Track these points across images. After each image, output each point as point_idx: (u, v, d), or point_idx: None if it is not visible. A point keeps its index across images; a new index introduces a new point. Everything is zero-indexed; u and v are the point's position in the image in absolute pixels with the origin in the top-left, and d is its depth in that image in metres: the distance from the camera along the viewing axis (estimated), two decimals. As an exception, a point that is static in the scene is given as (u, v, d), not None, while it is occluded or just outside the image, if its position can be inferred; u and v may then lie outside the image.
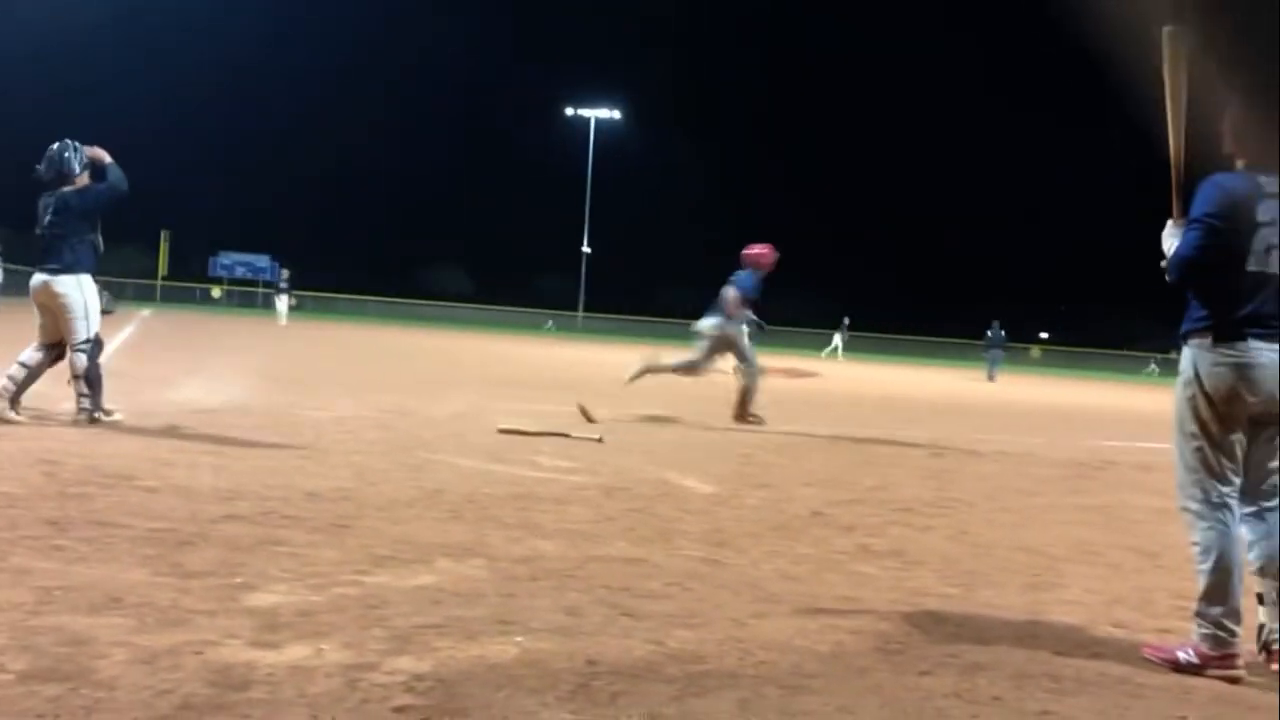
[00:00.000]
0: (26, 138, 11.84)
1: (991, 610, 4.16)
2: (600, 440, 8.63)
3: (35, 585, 3.47)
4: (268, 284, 58.79)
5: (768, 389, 11.93)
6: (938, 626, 3.84)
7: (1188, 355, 3.65)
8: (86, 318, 7.60)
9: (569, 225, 69.74)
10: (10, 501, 4.77)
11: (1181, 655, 3.50)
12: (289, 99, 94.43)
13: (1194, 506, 3.59)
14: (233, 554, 4.11)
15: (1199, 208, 3.57)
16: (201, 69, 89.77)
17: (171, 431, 7.46)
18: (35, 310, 7.77)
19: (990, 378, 32.95)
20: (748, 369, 11.24)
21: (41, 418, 7.50)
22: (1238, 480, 3.58)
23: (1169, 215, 3.74)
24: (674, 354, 11.84)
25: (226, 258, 68.34)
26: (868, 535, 5.57)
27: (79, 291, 7.58)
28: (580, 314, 67.08)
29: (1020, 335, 53.59)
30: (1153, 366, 57.44)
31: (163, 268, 61.59)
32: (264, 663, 2.91)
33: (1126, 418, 19.20)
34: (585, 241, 67.04)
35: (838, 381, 22.40)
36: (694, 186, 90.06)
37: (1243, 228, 3.48)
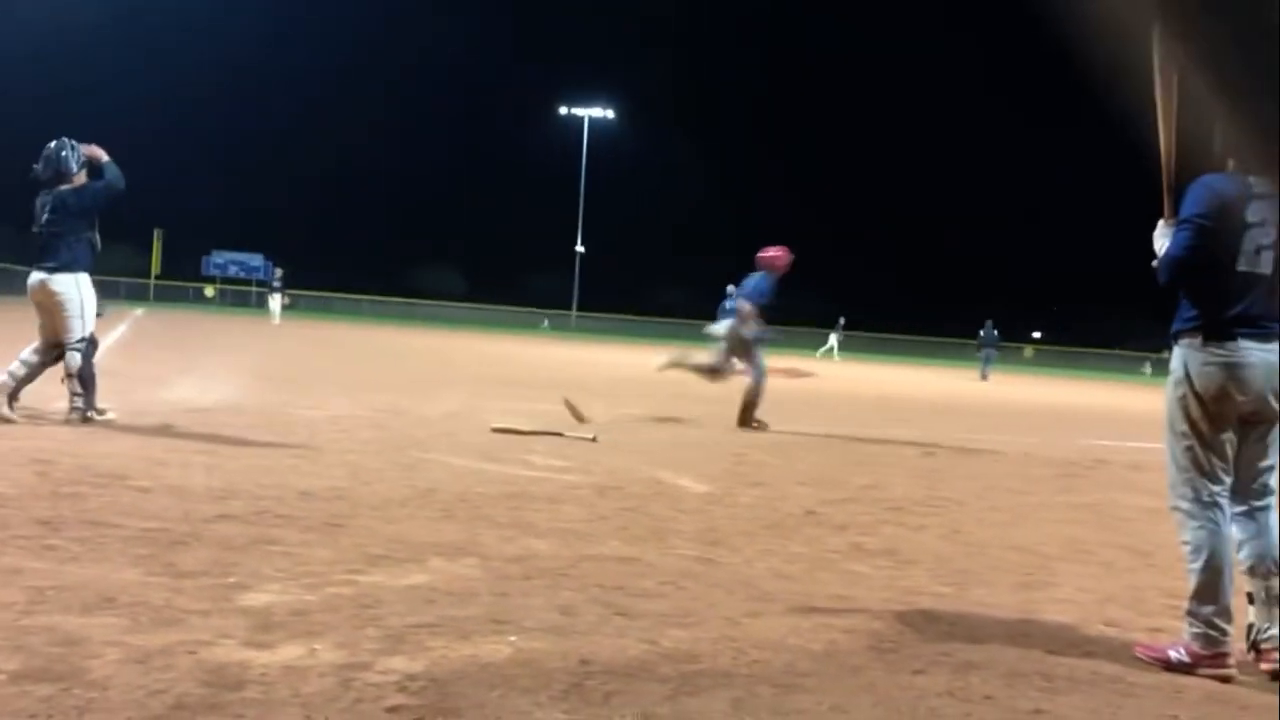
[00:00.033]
0: (22, 137, 11.83)
1: (984, 609, 4.17)
2: (594, 439, 8.63)
3: (27, 585, 3.47)
4: (261, 283, 58.77)
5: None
6: (931, 625, 3.85)
7: (1178, 355, 3.67)
8: (82, 316, 7.60)
9: (563, 225, 69.79)
10: (2, 501, 4.76)
11: (1173, 654, 3.52)
12: (282, 99, 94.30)
13: (1185, 505, 3.60)
14: (226, 553, 4.11)
15: (1189, 208, 3.59)
16: (194, 69, 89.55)
17: (164, 431, 7.45)
18: (35, 310, 7.76)
19: (983, 377, 33.02)
20: (755, 375, 11.18)
21: (34, 417, 7.49)
22: (1228, 479, 3.60)
23: (1160, 215, 3.76)
24: (701, 354, 11.78)
25: (220, 256, 68.21)
26: (861, 534, 5.58)
27: (76, 290, 7.58)
28: (574, 313, 67.09)
29: (1013, 335, 53.68)
30: (1147, 367, 57.60)
31: (156, 266, 61.52)
32: (257, 662, 2.91)
33: (1118, 417, 19.24)
34: (579, 241, 67.07)
35: (832, 381, 22.41)
36: (687, 186, 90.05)
37: (1233, 228, 3.50)
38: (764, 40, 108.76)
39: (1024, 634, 3.81)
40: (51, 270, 7.55)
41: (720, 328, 11.47)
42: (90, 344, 7.68)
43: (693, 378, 12.22)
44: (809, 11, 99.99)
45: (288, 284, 40.97)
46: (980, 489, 7.69)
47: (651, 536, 5.11)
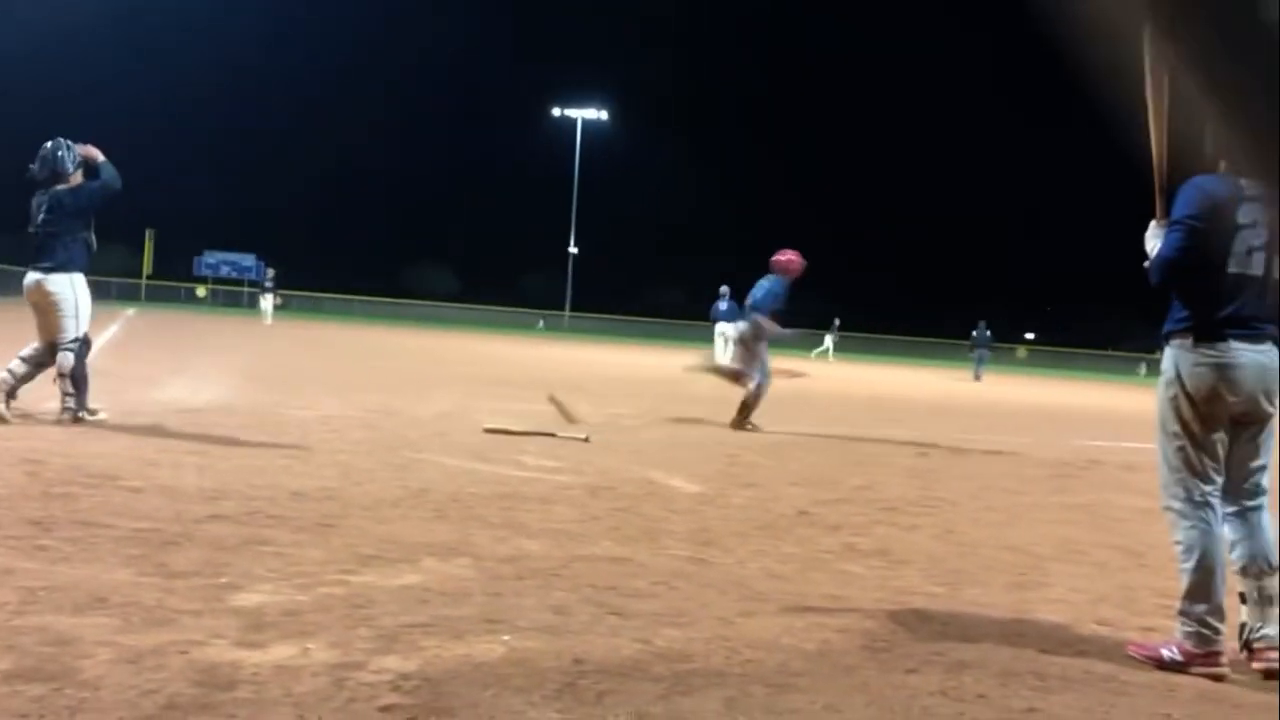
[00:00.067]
0: (18, 138, 11.80)
1: (977, 609, 4.18)
2: (586, 440, 8.63)
3: (19, 585, 3.46)
4: (253, 283, 58.62)
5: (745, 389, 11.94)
6: (924, 625, 3.85)
7: (1169, 355, 3.68)
8: (76, 316, 7.59)
9: (556, 225, 69.77)
10: (-7, 501, 4.74)
11: (1166, 653, 3.52)
12: (274, 99, 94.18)
13: (1177, 505, 3.61)
14: (218, 554, 4.10)
15: (1180, 209, 3.60)
16: (185, 69, 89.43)
17: (156, 431, 7.43)
18: (32, 310, 7.74)
19: (976, 377, 33.07)
20: (759, 379, 11.13)
21: (26, 417, 7.46)
22: (1219, 479, 3.61)
23: (1152, 216, 3.77)
24: (725, 358, 11.75)
25: (211, 257, 68.06)
26: (854, 534, 5.58)
27: (71, 290, 7.57)
28: (567, 314, 67.07)
29: (1005, 335, 53.81)
30: (1142, 368, 57.75)
31: (147, 267, 61.30)
32: (250, 662, 2.90)
33: (1111, 418, 19.29)
34: (572, 241, 67.05)
35: (825, 381, 22.41)
36: (680, 187, 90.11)
37: (1224, 230, 3.51)
38: (756, 40, 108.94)
39: (1017, 633, 3.81)
40: (47, 270, 7.54)
41: (733, 330, 11.40)
42: (84, 344, 7.67)
43: (716, 380, 12.21)
44: (802, 11, 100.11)
45: (279, 284, 40.92)
46: (973, 489, 7.70)
47: (644, 537, 5.11)
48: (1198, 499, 3.58)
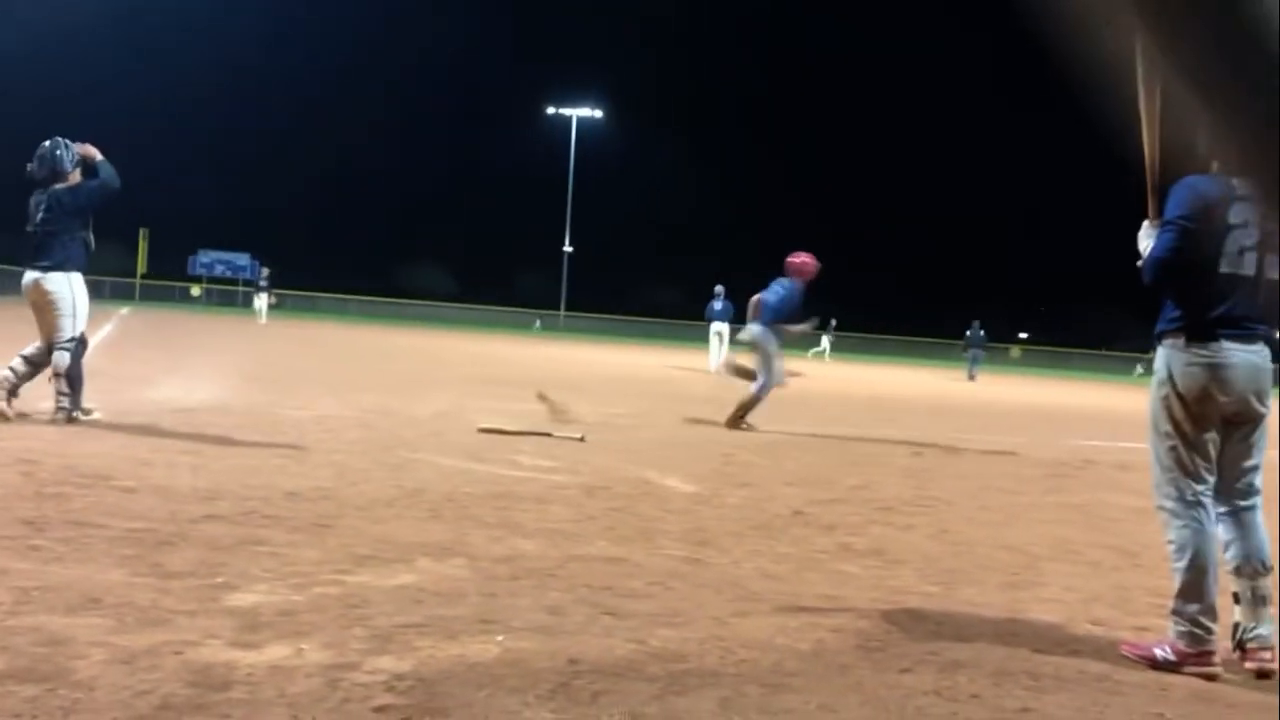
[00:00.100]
0: (13, 138, 11.79)
1: (971, 608, 4.18)
2: (582, 439, 8.63)
3: (12, 586, 3.45)
4: (248, 282, 58.50)
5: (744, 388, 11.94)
6: (918, 624, 3.86)
7: (1162, 355, 3.69)
8: (74, 315, 7.59)
9: (551, 224, 69.75)
10: (-13, 501, 4.73)
11: (1159, 653, 3.53)
12: (269, 98, 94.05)
13: (1169, 505, 3.62)
14: (212, 554, 4.09)
15: (1172, 210, 3.61)
16: (179, 69, 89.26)
17: (150, 431, 7.42)
18: (31, 310, 7.74)
19: (971, 377, 33.11)
20: (763, 381, 11.09)
21: (20, 416, 7.44)
22: (1212, 479, 3.62)
23: (1145, 216, 3.78)
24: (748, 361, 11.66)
25: (206, 256, 67.89)
26: (849, 534, 5.59)
27: (68, 289, 7.58)
28: (562, 313, 67.06)
29: (999, 335, 53.86)
30: (1139, 368, 57.87)
31: (141, 265, 61.19)
32: (244, 663, 2.90)
33: (1106, 417, 19.32)
34: (567, 241, 67.05)
35: (821, 381, 22.43)
36: (675, 186, 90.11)
37: (1216, 230, 3.52)
38: (752, 38, 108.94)
39: (1011, 633, 3.82)
40: (45, 269, 7.55)
41: (747, 333, 11.32)
42: (80, 344, 7.67)
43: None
44: (797, 10, 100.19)
45: (274, 283, 40.87)
46: (968, 489, 7.71)
47: (639, 537, 5.12)
48: (1190, 498, 3.59)
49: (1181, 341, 3.61)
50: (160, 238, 61.15)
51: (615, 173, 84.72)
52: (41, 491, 5.03)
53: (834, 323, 47.00)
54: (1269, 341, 3.60)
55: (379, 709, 2.64)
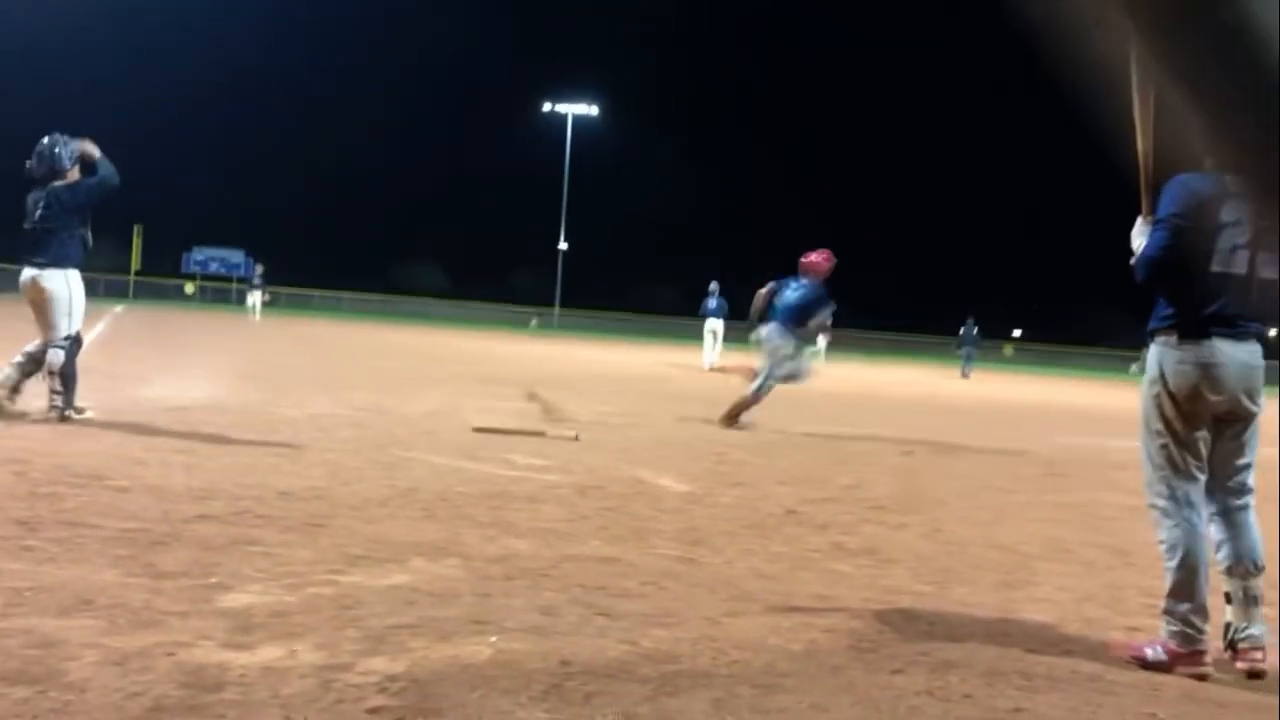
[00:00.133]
0: (12, 136, 11.76)
1: (964, 608, 4.19)
2: (575, 438, 8.63)
3: (4, 586, 3.44)
4: (242, 279, 58.40)
5: (741, 387, 11.95)
6: (910, 624, 3.87)
7: (1153, 353, 3.70)
8: (70, 314, 7.60)
9: (546, 222, 69.69)
10: (-21, 501, 4.72)
11: (1150, 652, 3.54)
12: (264, 95, 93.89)
13: (1161, 504, 3.63)
14: (206, 554, 4.09)
15: (1165, 207, 3.62)
16: (173, 68, 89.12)
17: (143, 430, 7.41)
18: (30, 307, 7.74)
19: (964, 375, 33.15)
20: (765, 380, 11.05)
21: (11, 416, 7.43)
22: (1203, 478, 3.63)
23: (1138, 213, 3.79)
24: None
25: (200, 253, 67.73)
26: (842, 533, 5.59)
27: (65, 286, 7.58)
28: (557, 311, 67.02)
29: (992, 333, 53.91)
30: (1134, 366, 58.02)
31: (135, 263, 61.02)
32: (237, 664, 2.90)
33: (1099, 415, 19.35)
34: (562, 238, 67.01)
35: (815, 380, 22.42)
36: (671, 183, 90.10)
37: (1207, 228, 3.53)
38: (747, 37, 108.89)
39: (1003, 633, 3.83)
40: (42, 266, 7.55)
41: (762, 333, 11.24)
42: (75, 342, 7.66)
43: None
44: (791, 9, 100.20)
45: (268, 280, 40.81)
46: (961, 488, 7.72)
47: (632, 536, 5.12)
48: (1181, 497, 3.60)
49: (1173, 339, 3.62)
50: (154, 235, 61.01)
51: (611, 170, 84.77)
52: (34, 491, 5.02)
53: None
54: (1261, 340, 3.61)
55: (372, 710, 2.64)
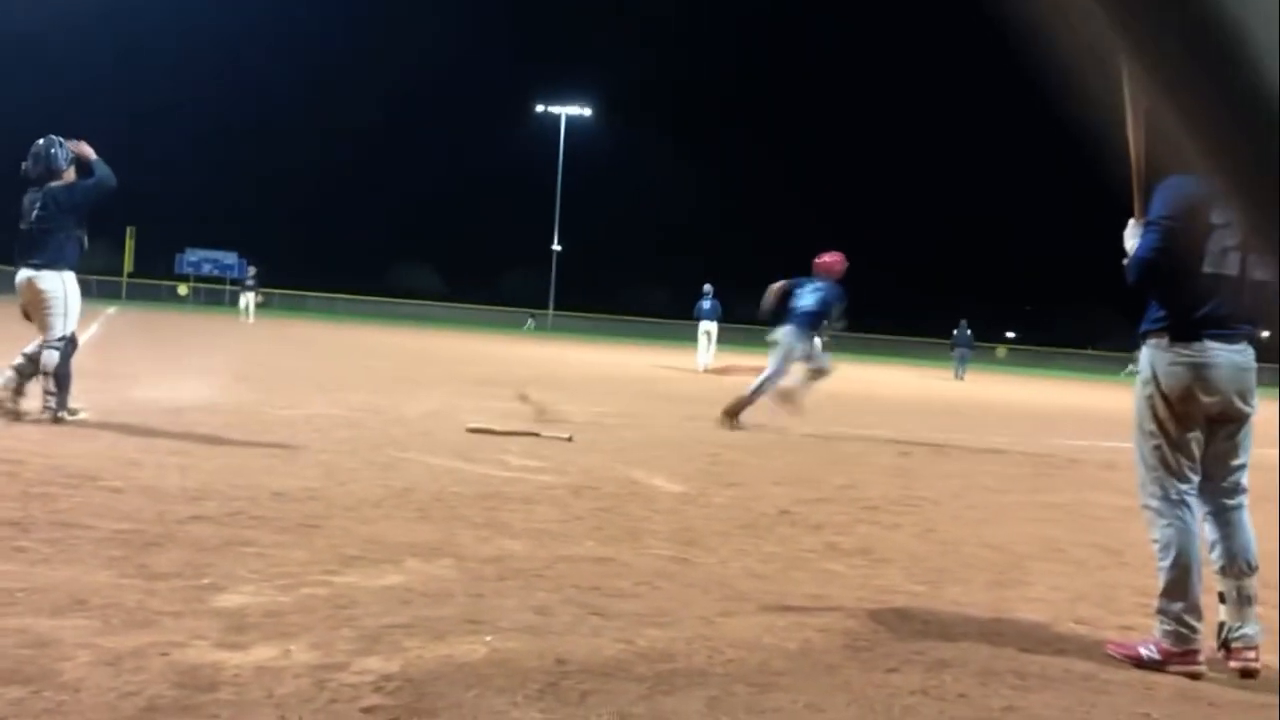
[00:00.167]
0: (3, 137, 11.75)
1: (958, 607, 4.20)
2: (569, 439, 8.63)
3: (-2, 587, 3.44)
4: (235, 281, 58.26)
5: (739, 387, 11.96)
6: (905, 624, 3.87)
7: (1146, 355, 3.71)
8: (65, 314, 7.59)
9: (540, 223, 69.70)
10: (-28, 502, 4.71)
11: (1144, 651, 3.55)
12: (257, 96, 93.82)
13: (1154, 504, 3.64)
14: (200, 555, 4.08)
15: (1156, 210, 3.64)
16: (168, 66, 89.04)
17: (137, 430, 7.39)
18: (28, 307, 7.73)
19: (958, 376, 33.19)
20: (771, 376, 11.11)
21: (7, 415, 7.42)
22: (1196, 478, 3.64)
23: (1131, 215, 3.80)
24: (797, 371, 11.63)
25: (193, 254, 67.59)
26: (835, 533, 5.60)
27: (61, 287, 7.58)
28: (550, 312, 67.01)
29: (985, 335, 53.99)
30: (1130, 366, 58.16)
31: (128, 264, 60.88)
32: (231, 664, 2.89)
33: (1091, 416, 19.38)
34: (555, 239, 66.98)
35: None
36: (665, 184, 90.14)
37: (1199, 230, 3.54)
38: (740, 37, 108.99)
39: (997, 632, 3.84)
40: (38, 267, 7.54)
41: (778, 334, 11.26)
42: (70, 343, 7.65)
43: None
44: (785, 10, 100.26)
45: (261, 282, 40.72)
46: (955, 488, 7.73)
47: (626, 536, 5.12)
48: (1174, 497, 3.61)
49: (1165, 341, 3.63)
50: (147, 236, 60.90)
51: (604, 171, 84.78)
52: (27, 492, 5.00)
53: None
54: (1252, 341, 3.63)
55: (367, 709, 2.64)
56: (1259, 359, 3.65)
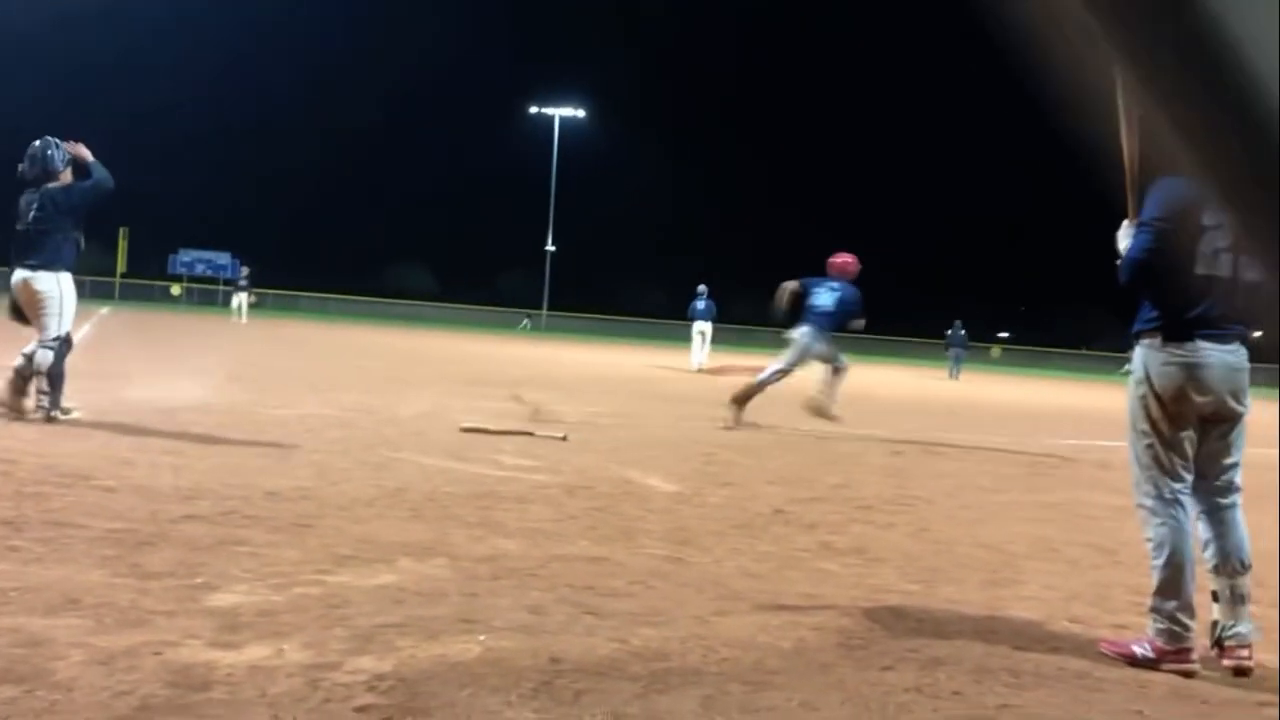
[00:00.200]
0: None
1: (952, 606, 4.20)
2: (564, 439, 8.62)
3: (-10, 586, 3.43)
4: (229, 281, 58.16)
5: (731, 386, 11.97)
6: (899, 622, 3.88)
7: (1139, 355, 3.72)
8: (60, 315, 7.58)
9: (533, 224, 69.70)
10: (-36, 502, 4.70)
11: (1137, 650, 3.56)
12: (250, 97, 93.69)
13: (1148, 503, 3.65)
14: (193, 554, 4.07)
15: (1148, 211, 3.65)
16: (162, 65, 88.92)
17: (131, 430, 7.37)
18: (23, 308, 7.72)
19: (953, 376, 33.24)
20: (781, 371, 11.17)
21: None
22: (1189, 477, 3.65)
23: (1125, 216, 3.81)
24: (820, 373, 11.66)
25: (186, 254, 67.45)
26: (830, 533, 5.60)
27: (57, 287, 7.58)
28: (545, 312, 66.99)
29: (979, 335, 54.07)
30: (1127, 366, 58.29)
31: (121, 264, 60.77)
32: (224, 663, 2.89)
33: (1085, 416, 19.42)
34: (549, 240, 66.97)
35: (804, 380, 22.44)
36: (659, 185, 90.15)
37: (1191, 231, 3.55)
38: (733, 39, 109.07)
39: (991, 630, 3.84)
40: (34, 267, 7.54)
41: (796, 334, 11.29)
42: (64, 343, 7.64)
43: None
44: (781, 11, 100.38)
45: (254, 282, 40.63)
46: (949, 487, 7.74)
47: (621, 536, 5.12)
48: (1168, 496, 3.62)
49: (1158, 341, 3.64)
50: (140, 236, 60.78)
51: (598, 172, 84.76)
52: (20, 491, 4.99)
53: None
54: (1244, 341, 3.64)
55: (360, 709, 2.63)
56: (1259, 360, 3.66)
